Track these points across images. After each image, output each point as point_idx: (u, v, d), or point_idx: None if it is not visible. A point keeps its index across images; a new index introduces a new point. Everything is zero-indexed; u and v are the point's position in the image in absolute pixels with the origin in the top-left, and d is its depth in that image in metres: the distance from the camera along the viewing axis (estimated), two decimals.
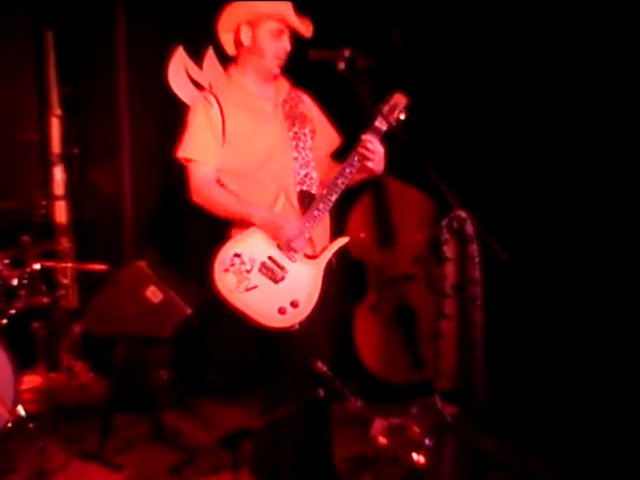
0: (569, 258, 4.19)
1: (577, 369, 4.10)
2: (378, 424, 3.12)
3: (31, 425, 4.12)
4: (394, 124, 3.27)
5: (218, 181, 3.33)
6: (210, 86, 3.49)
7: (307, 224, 3.26)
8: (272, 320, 3.17)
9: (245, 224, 3.26)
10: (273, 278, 3.20)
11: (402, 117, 3.29)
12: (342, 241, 3.36)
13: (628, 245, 3.96)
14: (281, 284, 3.21)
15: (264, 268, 3.20)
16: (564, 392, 4.10)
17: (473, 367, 3.30)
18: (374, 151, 3.28)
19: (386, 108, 3.28)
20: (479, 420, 3.31)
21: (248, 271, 3.18)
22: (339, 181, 3.27)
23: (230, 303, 3.16)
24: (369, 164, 3.29)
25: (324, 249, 3.32)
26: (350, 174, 3.27)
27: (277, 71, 3.38)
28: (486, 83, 4.51)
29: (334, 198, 3.28)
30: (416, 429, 3.03)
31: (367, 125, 3.33)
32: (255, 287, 3.17)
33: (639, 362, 3.88)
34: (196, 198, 3.30)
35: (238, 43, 3.39)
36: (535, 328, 4.25)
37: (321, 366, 3.07)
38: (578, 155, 4.16)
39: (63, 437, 4.31)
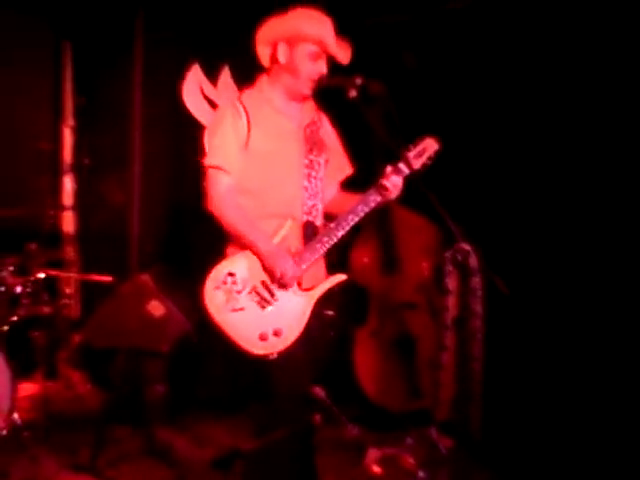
0: (570, 297, 4.20)
1: (576, 407, 4.09)
2: (372, 453, 3.12)
3: (25, 433, 4.10)
4: (420, 169, 3.25)
5: None
6: (240, 96, 3.42)
7: (307, 255, 3.24)
8: (252, 345, 3.13)
9: (244, 246, 3.24)
10: (261, 303, 3.17)
11: (429, 162, 3.26)
12: (339, 278, 3.31)
13: (628, 286, 3.97)
14: (268, 310, 3.17)
15: (254, 292, 3.18)
16: (563, 429, 4.09)
17: (470, 400, 3.29)
18: (394, 192, 3.25)
19: (415, 150, 3.25)
20: (474, 453, 3.30)
21: (238, 292, 3.16)
22: (349, 217, 3.22)
23: (214, 321, 3.14)
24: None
25: (320, 282, 3.29)
26: (363, 213, 3.23)
27: (308, 93, 3.36)
28: (497, 113, 4.52)
29: (340, 234, 3.24)
30: (410, 460, 3.02)
31: (379, 155, 3.33)
32: (242, 309, 3.14)
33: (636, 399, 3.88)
34: (212, 207, 3.23)
35: (273, 58, 3.34)
36: (535, 361, 4.25)
37: (319, 391, 3.06)
38: (580, 192, 4.17)
39: (56, 447, 4.28)
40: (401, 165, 3.25)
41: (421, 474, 2.97)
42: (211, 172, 3.25)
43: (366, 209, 3.25)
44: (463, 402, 3.33)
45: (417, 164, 3.25)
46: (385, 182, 3.24)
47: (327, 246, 3.25)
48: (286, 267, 3.16)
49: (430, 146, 3.27)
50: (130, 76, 5.42)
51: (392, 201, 3.33)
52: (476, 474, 3.36)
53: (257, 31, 3.37)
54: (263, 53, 3.40)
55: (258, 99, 3.36)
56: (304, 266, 3.22)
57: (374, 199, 3.25)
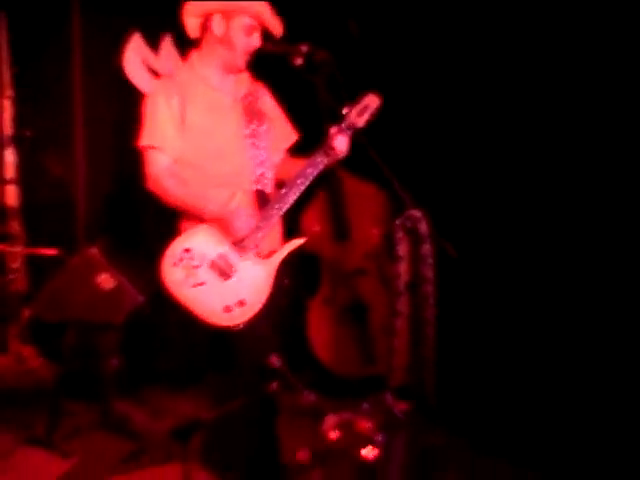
0: (517, 258, 4.29)
1: (526, 365, 4.20)
2: (329, 419, 3.16)
3: None
4: (363, 126, 3.28)
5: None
6: (171, 74, 3.41)
7: (262, 223, 3.25)
8: (217, 318, 3.16)
9: (196, 218, 3.25)
10: (222, 276, 3.19)
11: (371, 119, 3.30)
12: (296, 242, 3.35)
13: (578, 237, 4.08)
14: (230, 282, 3.19)
15: (213, 265, 3.19)
16: (513, 388, 4.19)
17: (424, 365, 3.35)
18: (341, 152, 3.29)
19: (357, 108, 3.28)
20: (430, 416, 3.37)
21: (197, 267, 3.17)
22: (299, 181, 3.26)
23: (175, 297, 3.15)
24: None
25: (277, 249, 3.33)
26: (311, 175, 3.27)
27: (243, 66, 3.36)
28: (439, 75, 4.56)
29: (292, 199, 3.27)
30: (367, 425, 3.07)
31: (327, 121, 3.34)
32: (203, 283, 3.16)
33: (589, 349, 4.00)
34: (152, 186, 3.26)
35: (205, 30, 3.34)
36: (485, 325, 4.34)
37: (275, 359, 3.10)
38: (522, 151, 4.26)
39: (10, 423, 4.28)
40: (345, 124, 3.28)
41: (378, 438, 3.03)
42: (147, 152, 3.27)
43: (314, 171, 3.28)
44: (417, 367, 3.39)
45: (360, 121, 3.29)
46: (330, 143, 3.27)
47: (280, 212, 3.28)
48: (242, 226, 3.19)
49: (372, 102, 3.30)
50: (69, 45, 5.30)
51: (339, 161, 3.37)
52: (432, 436, 3.43)
53: (185, 2, 3.34)
54: (191, 24, 3.38)
55: (191, 76, 3.36)
56: (260, 234, 3.24)
57: (321, 160, 3.29)
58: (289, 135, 3.62)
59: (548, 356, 4.13)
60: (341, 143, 3.30)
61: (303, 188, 3.29)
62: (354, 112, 3.29)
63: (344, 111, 3.29)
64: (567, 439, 3.89)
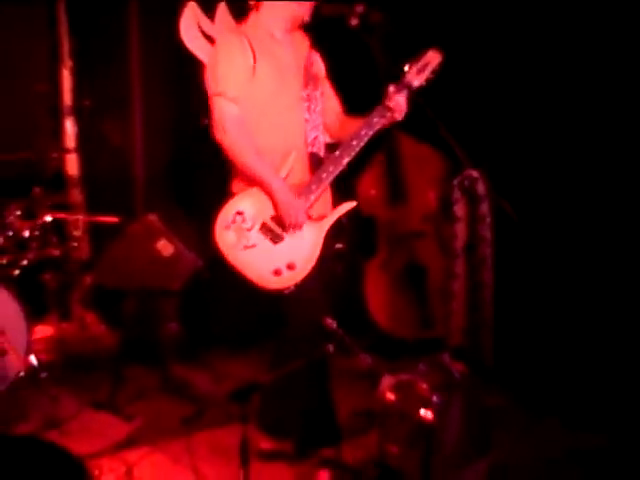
0: (577, 219, 4.21)
1: (585, 329, 4.13)
2: (386, 380, 3.14)
3: (43, 375, 4.15)
4: (423, 84, 3.21)
5: None
6: (241, 29, 3.36)
7: (315, 186, 3.23)
8: (266, 281, 3.16)
9: (251, 181, 3.23)
10: (273, 239, 3.18)
11: (432, 76, 3.21)
12: (348, 205, 3.32)
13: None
14: (280, 245, 3.19)
15: (265, 228, 3.18)
16: (573, 353, 4.14)
17: (481, 326, 3.32)
18: (399, 112, 3.23)
19: (417, 66, 3.21)
20: (487, 378, 3.34)
21: (249, 229, 3.17)
22: (354, 142, 3.21)
23: (227, 260, 3.16)
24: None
25: (328, 212, 3.30)
26: (366, 137, 3.21)
27: (308, 19, 3.31)
28: (494, 39, 4.47)
29: (346, 161, 3.23)
30: (424, 386, 3.04)
31: (384, 82, 3.28)
32: (254, 246, 3.16)
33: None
34: (220, 137, 3.17)
35: None
36: (544, 289, 4.27)
37: (330, 322, 3.08)
38: (589, 119, 4.15)
39: (75, 387, 4.35)
40: (403, 83, 3.21)
41: (435, 399, 3.00)
42: (218, 100, 3.19)
43: (370, 132, 3.22)
44: (474, 329, 3.36)
45: (420, 79, 3.21)
46: (388, 103, 3.21)
47: (334, 175, 3.25)
48: (297, 215, 3.16)
49: (433, 59, 3.23)
50: (126, 14, 5.33)
51: (397, 122, 3.30)
52: (489, 398, 3.40)
53: None
54: None
55: (257, 32, 3.31)
56: (313, 197, 3.22)
57: (377, 121, 3.23)
58: (336, 107, 3.56)
59: (605, 319, 4.05)
60: (399, 103, 3.23)
61: (358, 150, 3.24)
62: (414, 70, 3.22)
63: (404, 69, 3.22)
64: (626, 402, 3.83)
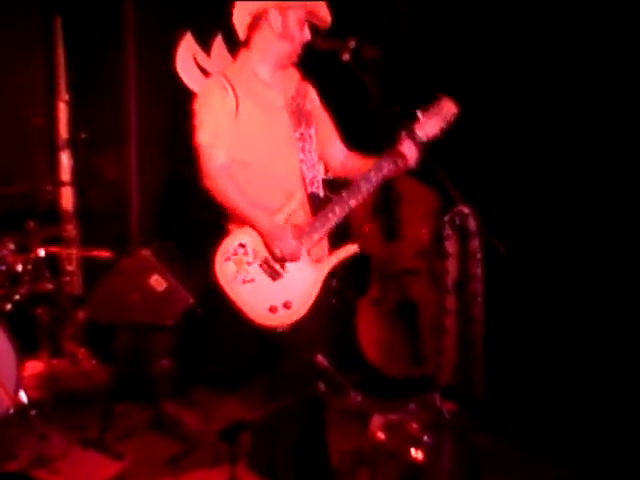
0: (570, 255, 4.18)
1: (576, 365, 4.10)
2: (377, 420, 3.11)
3: (33, 412, 4.11)
4: (438, 136, 3.11)
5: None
6: (224, 72, 3.36)
7: (319, 226, 3.18)
8: (261, 317, 3.13)
9: (245, 223, 3.21)
10: (272, 275, 3.16)
11: (446, 127, 3.09)
12: (350, 249, 3.25)
13: (628, 243, 3.94)
14: (278, 283, 3.16)
15: (265, 264, 3.16)
16: (564, 388, 4.11)
17: (473, 363, 3.28)
18: (410, 160, 3.15)
19: (430, 114, 3.11)
20: (478, 414, 3.30)
21: (249, 263, 3.15)
22: (363, 186, 3.15)
23: (225, 292, 3.13)
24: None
25: (330, 254, 3.26)
26: (376, 181, 3.15)
27: (296, 60, 3.31)
28: (491, 79, 4.47)
29: (353, 203, 3.16)
30: (415, 425, 3.01)
31: (377, 116, 3.25)
32: (252, 280, 3.13)
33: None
34: (208, 183, 3.18)
35: (255, 28, 3.28)
36: (535, 324, 4.25)
37: (321, 360, 3.05)
38: (577, 152, 4.14)
39: (64, 424, 4.29)
40: (416, 129, 3.12)
41: (426, 439, 2.96)
42: (203, 148, 3.20)
43: (379, 176, 3.15)
44: (466, 365, 3.33)
45: (434, 129, 3.12)
46: (400, 147, 3.16)
47: (340, 216, 3.18)
48: (285, 245, 3.13)
49: (447, 109, 3.10)
50: (122, 48, 5.36)
51: (411, 169, 3.21)
52: (480, 435, 3.36)
53: (234, 2, 3.30)
54: (241, 23, 3.32)
55: (243, 73, 3.31)
56: (316, 237, 3.19)
57: (387, 166, 3.16)
58: (331, 135, 3.53)
59: (598, 355, 4.02)
60: (411, 149, 3.17)
61: (367, 194, 3.16)
62: (426, 118, 3.14)
63: (418, 115, 3.14)
64: (617, 441, 3.78)
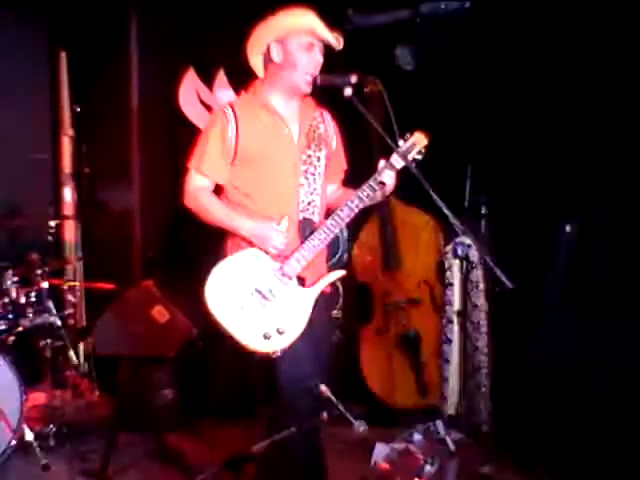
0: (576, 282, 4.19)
1: (585, 394, 4.08)
2: (380, 449, 3.11)
3: (35, 443, 4.11)
4: (411, 164, 3.24)
5: (222, 192, 3.32)
6: (234, 100, 3.42)
7: (305, 252, 3.24)
8: (255, 344, 3.14)
9: (240, 236, 3.24)
10: (262, 302, 3.19)
11: (419, 157, 3.22)
12: (338, 274, 3.32)
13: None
14: (269, 309, 3.17)
15: (255, 291, 3.19)
16: (573, 417, 4.08)
17: (478, 392, 3.29)
18: (388, 187, 3.26)
19: (404, 146, 3.21)
20: (483, 443, 3.30)
21: (239, 290, 3.17)
22: (344, 214, 3.22)
23: (217, 321, 3.15)
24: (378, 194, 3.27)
25: (319, 278, 3.29)
26: (357, 208, 3.21)
27: (307, 87, 3.29)
28: (496, 111, 4.52)
29: (337, 230, 3.24)
30: (418, 455, 3.01)
31: (378, 152, 3.29)
32: (244, 308, 3.17)
33: None
34: (187, 201, 3.29)
35: (268, 61, 3.31)
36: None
37: (324, 389, 3.06)
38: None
39: (66, 455, 4.30)
40: (393, 160, 3.22)
41: (429, 468, 2.96)
42: (189, 171, 3.30)
43: (360, 204, 3.23)
44: (471, 395, 3.33)
45: (408, 159, 3.24)
46: (378, 177, 3.24)
47: (324, 243, 3.25)
48: (277, 237, 3.17)
49: (420, 141, 3.22)
50: (126, 83, 5.43)
51: (386, 195, 3.32)
52: (485, 464, 3.34)
53: (246, 44, 3.37)
54: (256, 64, 3.39)
55: (252, 103, 3.35)
56: (304, 263, 3.23)
57: (368, 194, 3.25)
58: (340, 169, 3.59)
59: (604, 380, 4.01)
60: (389, 178, 3.27)
61: (348, 220, 3.25)
62: (403, 148, 3.24)
63: (394, 147, 3.24)
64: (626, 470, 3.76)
